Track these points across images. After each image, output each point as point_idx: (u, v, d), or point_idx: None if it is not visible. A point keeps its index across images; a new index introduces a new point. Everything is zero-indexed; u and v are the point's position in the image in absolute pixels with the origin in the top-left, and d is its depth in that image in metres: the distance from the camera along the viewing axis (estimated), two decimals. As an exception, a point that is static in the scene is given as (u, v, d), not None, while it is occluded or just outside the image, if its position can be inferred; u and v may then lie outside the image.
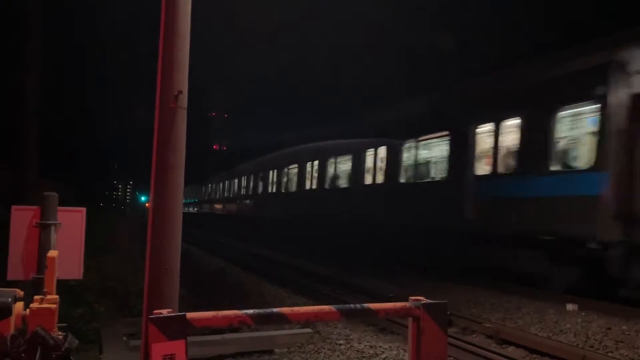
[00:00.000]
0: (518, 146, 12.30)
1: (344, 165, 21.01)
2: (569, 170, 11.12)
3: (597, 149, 10.33)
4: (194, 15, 4.65)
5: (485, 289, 11.79)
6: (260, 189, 31.21)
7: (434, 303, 3.41)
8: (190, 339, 6.01)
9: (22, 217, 4.47)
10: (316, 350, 7.00)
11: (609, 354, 7.19)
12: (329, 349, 7.05)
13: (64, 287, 7.34)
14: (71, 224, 4.61)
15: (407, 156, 16.57)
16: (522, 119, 12.22)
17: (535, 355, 7.38)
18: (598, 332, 8.17)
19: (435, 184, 15.26)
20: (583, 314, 9.29)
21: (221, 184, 43.66)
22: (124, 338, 6.71)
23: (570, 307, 9.74)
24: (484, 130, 13.40)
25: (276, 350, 6.93)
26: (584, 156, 10.86)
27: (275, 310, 3.11)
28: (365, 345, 7.20)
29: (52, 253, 3.95)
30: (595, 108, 10.43)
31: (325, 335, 7.58)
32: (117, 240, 18.75)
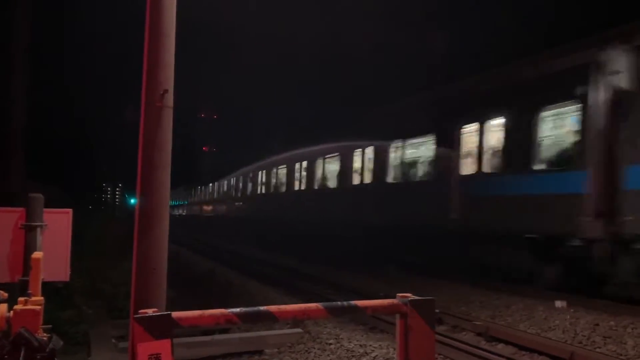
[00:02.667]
0: None
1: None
2: None
3: None
4: (180, 15, 4.63)
5: (475, 287, 11.83)
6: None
7: (422, 300, 3.42)
8: (180, 340, 6.01)
9: (7, 219, 4.43)
10: (306, 350, 6.99)
11: (597, 350, 7.25)
12: (319, 349, 7.04)
13: (52, 289, 7.29)
14: (57, 225, 4.57)
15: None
16: None
17: (524, 352, 7.42)
18: (586, 328, 8.23)
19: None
20: (572, 310, 9.35)
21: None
22: (113, 340, 6.67)
23: (559, 304, 9.79)
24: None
25: (266, 350, 6.92)
26: None
27: (262, 308, 3.10)
28: (355, 344, 7.21)
29: (37, 254, 3.91)
30: None
31: (315, 334, 7.57)
32: (105, 241, 18.61)
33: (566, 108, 10.95)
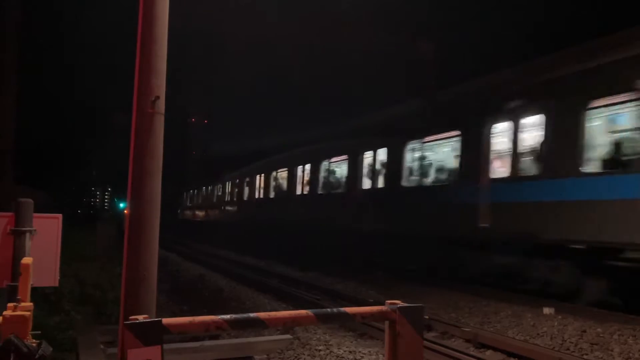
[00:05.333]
0: None
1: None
2: None
3: None
4: (172, 21, 4.66)
5: (464, 294, 11.90)
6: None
7: (410, 306, 3.45)
8: (169, 346, 5.99)
9: (-4, 224, 4.41)
10: (296, 356, 7.01)
11: (584, 356, 7.31)
12: (308, 355, 7.06)
13: (40, 295, 7.25)
14: (47, 230, 4.56)
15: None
16: None
17: (512, 359, 7.46)
18: (574, 335, 8.30)
19: None
20: (559, 317, 9.42)
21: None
22: (101, 346, 6.63)
23: (547, 310, 9.87)
24: None
25: (255, 356, 6.91)
26: None
27: (252, 315, 3.11)
28: (345, 351, 7.23)
29: (27, 260, 3.90)
30: None
31: (305, 341, 7.59)
32: (94, 246, 18.53)
33: None
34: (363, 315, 3.46)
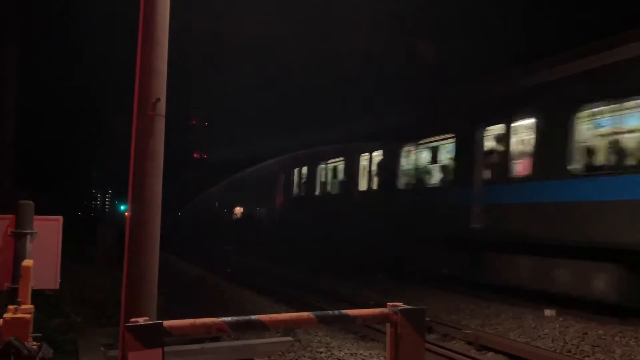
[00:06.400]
0: None
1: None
2: None
3: None
4: (172, 24, 4.65)
5: (465, 296, 11.88)
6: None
7: (412, 309, 3.43)
8: (170, 348, 5.98)
9: (-4, 226, 4.40)
10: (297, 359, 6.99)
11: (586, 358, 7.30)
12: (309, 357, 7.04)
13: (40, 297, 7.23)
14: (47, 232, 4.55)
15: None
16: None
17: (514, 361, 7.46)
18: (575, 336, 8.28)
19: None
20: (561, 319, 9.41)
21: None
22: (102, 348, 6.62)
23: (548, 312, 9.85)
24: None
25: (256, 358, 6.89)
26: None
27: (253, 317, 3.10)
28: (346, 353, 7.21)
29: (27, 262, 3.89)
30: None
31: (306, 343, 7.57)
32: (95, 248, 18.49)
33: None
34: (364, 318, 3.45)
